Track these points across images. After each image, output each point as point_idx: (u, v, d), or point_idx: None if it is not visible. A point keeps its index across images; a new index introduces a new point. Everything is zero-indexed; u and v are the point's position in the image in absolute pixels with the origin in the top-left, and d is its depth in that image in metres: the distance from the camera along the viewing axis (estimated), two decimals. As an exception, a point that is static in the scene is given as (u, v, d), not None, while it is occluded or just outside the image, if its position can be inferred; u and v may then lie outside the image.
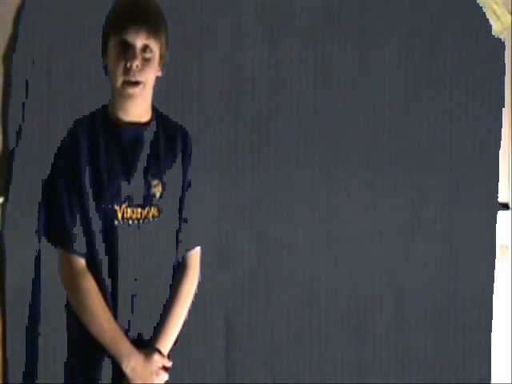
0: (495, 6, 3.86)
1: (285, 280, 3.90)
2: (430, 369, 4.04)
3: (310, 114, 3.97)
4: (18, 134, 3.79)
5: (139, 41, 2.52)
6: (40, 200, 2.61)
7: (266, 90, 3.92)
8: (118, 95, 2.56)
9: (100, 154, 2.55)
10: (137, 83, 2.53)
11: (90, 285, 2.51)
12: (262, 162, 3.92)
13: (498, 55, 3.98)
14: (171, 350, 2.61)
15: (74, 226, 2.51)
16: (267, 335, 3.95)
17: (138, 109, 2.59)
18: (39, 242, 3.75)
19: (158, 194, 2.59)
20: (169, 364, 2.56)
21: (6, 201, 3.75)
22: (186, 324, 2.65)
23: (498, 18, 3.87)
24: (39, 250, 3.74)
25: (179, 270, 2.66)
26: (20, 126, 3.78)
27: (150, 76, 2.56)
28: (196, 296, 2.70)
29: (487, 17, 3.91)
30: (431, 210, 4.03)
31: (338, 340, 3.95)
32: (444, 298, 4.03)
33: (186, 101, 3.88)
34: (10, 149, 3.77)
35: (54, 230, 2.56)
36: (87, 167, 2.53)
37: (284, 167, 3.94)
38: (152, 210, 2.57)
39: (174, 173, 2.62)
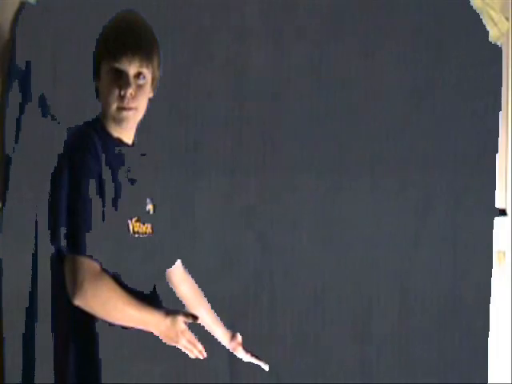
0: (492, 13, 3.87)
1: (289, 283, 3.89)
2: (432, 370, 4.04)
3: (314, 116, 3.97)
4: (16, 138, 3.79)
5: (132, 69, 2.53)
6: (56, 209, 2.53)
7: (270, 92, 3.93)
8: (111, 119, 2.56)
9: (113, 166, 2.54)
10: (130, 108, 2.54)
11: (109, 280, 2.49)
12: (266, 165, 3.93)
13: (495, 61, 3.99)
14: None
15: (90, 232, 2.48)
16: (272, 337, 3.94)
17: (129, 131, 2.62)
18: (35, 245, 3.78)
19: (151, 212, 2.64)
20: (195, 321, 2.54)
21: (3, 204, 3.74)
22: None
23: (495, 24, 3.88)
24: (36, 253, 3.73)
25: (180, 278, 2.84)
26: (17, 130, 3.78)
27: (142, 101, 2.58)
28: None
29: (484, 23, 3.92)
30: (434, 215, 4.03)
31: (342, 342, 3.95)
32: (446, 301, 4.02)
33: (190, 103, 3.87)
34: (7, 153, 3.77)
35: (73, 236, 2.49)
36: (104, 179, 2.51)
37: (288, 170, 3.94)
38: (149, 226, 2.61)
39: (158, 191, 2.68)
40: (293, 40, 3.94)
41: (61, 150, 2.62)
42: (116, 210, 2.51)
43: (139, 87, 2.54)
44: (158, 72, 2.62)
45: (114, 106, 2.53)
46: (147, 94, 2.59)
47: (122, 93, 2.51)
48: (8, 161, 3.78)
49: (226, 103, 3.90)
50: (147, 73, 2.56)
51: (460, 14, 3.98)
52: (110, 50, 2.53)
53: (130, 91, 2.52)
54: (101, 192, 2.48)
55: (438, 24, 3.99)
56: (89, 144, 2.51)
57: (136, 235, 2.56)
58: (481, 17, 3.91)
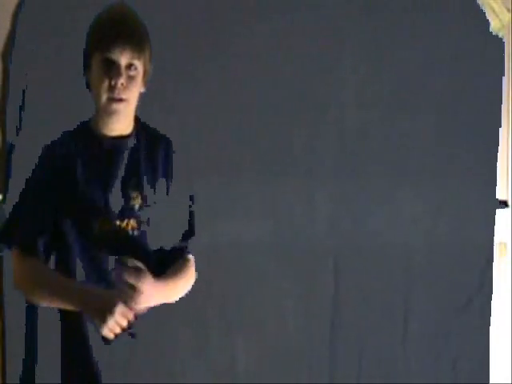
0: (494, 4, 3.87)
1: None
2: (430, 368, 4.05)
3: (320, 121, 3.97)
4: (17, 133, 3.79)
5: (124, 59, 2.52)
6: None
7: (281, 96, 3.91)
8: (102, 111, 2.56)
9: (77, 168, 2.55)
10: (121, 100, 2.53)
11: (35, 264, 2.55)
12: (262, 168, 3.92)
13: (497, 53, 3.98)
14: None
15: (40, 236, 2.53)
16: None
17: (121, 124, 2.60)
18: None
19: (137, 206, 2.56)
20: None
21: (4, 200, 3.74)
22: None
23: (497, 15, 3.88)
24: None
25: (179, 266, 2.66)
26: (18, 124, 3.78)
27: (133, 93, 2.56)
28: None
29: (486, 14, 3.92)
30: (434, 208, 4.04)
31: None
32: (445, 296, 4.03)
33: (182, 98, 3.85)
34: (9, 147, 3.77)
35: (19, 234, 2.58)
36: (61, 182, 2.53)
37: (294, 175, 3.94)
38: (131, 222, 2.55)
39: (155, 184, 2.61)
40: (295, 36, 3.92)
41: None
42: (79, 207, 2.52)
43: (130, 78, 2.53)
44: (149, 65, 2.61)
45: (105, 97, 2.52)
46: (138, 85, 2.57)
47: (113, 82, 2.50)
48: (9, 152, 3.78)
49: (223, 99, 3.88)
50: (139, 64, 2.54)
51: (461, 5, 3.97)
52: (101, 40, 2.52)
53: (121, 81, 2.50)
54: (70, 196, 2.52)
55: (436, 16, 3.98)
56: (49, 154, 2.59)
57: (106, 234, 2.52)
58: (482, 8, 3.91)
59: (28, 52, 3.75)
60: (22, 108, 3.77)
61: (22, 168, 3.76)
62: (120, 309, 2.41)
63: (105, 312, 2.41)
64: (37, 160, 2.68)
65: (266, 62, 3.92)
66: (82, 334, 2.53)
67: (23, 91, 3.77)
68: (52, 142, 2.62)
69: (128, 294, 2.43)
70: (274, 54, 3.93)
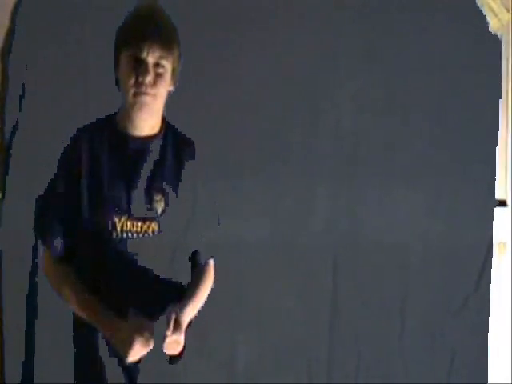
0: (493, 4, 3.88)
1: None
2: (427, 367, 4.05)
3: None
4: (14, 131, 3.78)
5: (152, 57, 2.51)
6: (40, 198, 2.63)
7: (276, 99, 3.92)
8: (129, 106, 2.54)
9: (102, 165, 2.53)
10: (148, 94, 2.52)
11: (69, 270, 2.56)
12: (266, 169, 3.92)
13: (496, 53, 3.99)
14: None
15: (62, 233, 2.54)
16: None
17: (147, 122, 2.57)
18: (36, 238, 3.77)
19: (159, 210, 2.55)
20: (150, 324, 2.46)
21: (2, 197, 3.73)
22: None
23: (496, 15, 3.89)
24: (36, 247, 3.72)
25: (198, 270, 2.70)
26: (17, 122, 3.77)
27: (161, 90, 2.55)
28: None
29: (485, 14, 3.92)
30: (433, 205, 4.04)
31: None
32: (443, 295, 4.03)
33: (189, 104, 3.85)
34: (7, 145, 3.76)
35: (44, 231, 2.60)
36: (86, 177, 2.52)
37: (293, 175, 3.94)
38: (152, 224, 2.54)
39: (177, 188, 2.59)
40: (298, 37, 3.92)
41: (61, 141, 2.65)
42: (104, 210, 2.51)
43: (158, 75, 2.51)
44: (178, 64, 2.59)
45: (132, 92, 2.51)
46: (167, 83, 2.55)
47: (141, 79, 2.49)
48: (8, 152, 3.78)
49: (223, 101, 3.87)
50: (167, 63, 2.53)
51: (460, 5, 3.97)
52: (129, 39, 2.52)
53: (149, 78, 2.49)
54: (93, 193, 2.50)
55: (437, 15, 3.98)
56: (74, 148, 2.55)
57: (127, 234, 2.51)
58: (481, 8, 3.91)
59: (27, 51, 3.74)
60: (20, 106, 3.76)
61: (21, 166, 3.77)
62: (138, 343, 2.43)
63: (125, 347, 2.44)
64: (36, 156, 2.68)
65: (265, 64, 3.92)
66: (91, 340, 2.54)
67: (22, 90, 3.77)
68: (75, 136, 2.59)
69: (146, 326, 2.45)
70: (271, 56, 3.93)
